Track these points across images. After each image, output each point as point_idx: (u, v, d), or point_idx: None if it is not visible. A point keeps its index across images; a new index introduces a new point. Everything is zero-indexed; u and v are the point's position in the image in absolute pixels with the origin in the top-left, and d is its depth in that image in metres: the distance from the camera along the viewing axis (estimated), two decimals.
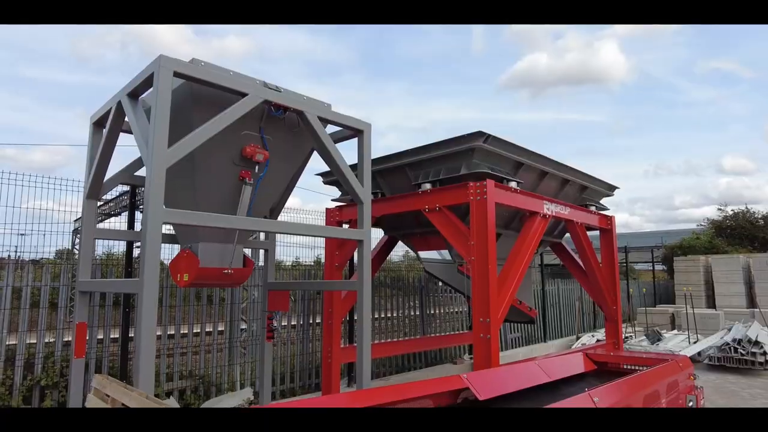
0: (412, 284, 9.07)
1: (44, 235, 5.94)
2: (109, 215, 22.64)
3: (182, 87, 3.82)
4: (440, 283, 9.24)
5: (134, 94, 3.83)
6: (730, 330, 10.16)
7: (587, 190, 6.92)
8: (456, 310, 9.88)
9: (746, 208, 24.24)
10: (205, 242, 4.32)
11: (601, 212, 7.23)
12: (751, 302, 15.82)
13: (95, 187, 4.46)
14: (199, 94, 3.85)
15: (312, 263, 10.66)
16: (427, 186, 5.38)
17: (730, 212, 24.35)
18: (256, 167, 4.32)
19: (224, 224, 3.68)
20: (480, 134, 4.96)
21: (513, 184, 5.31)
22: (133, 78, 3.79)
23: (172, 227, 4.80)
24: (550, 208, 5.87)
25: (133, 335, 5.34)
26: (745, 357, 8.57)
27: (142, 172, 5.34)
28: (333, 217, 6.62)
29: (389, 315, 8.53)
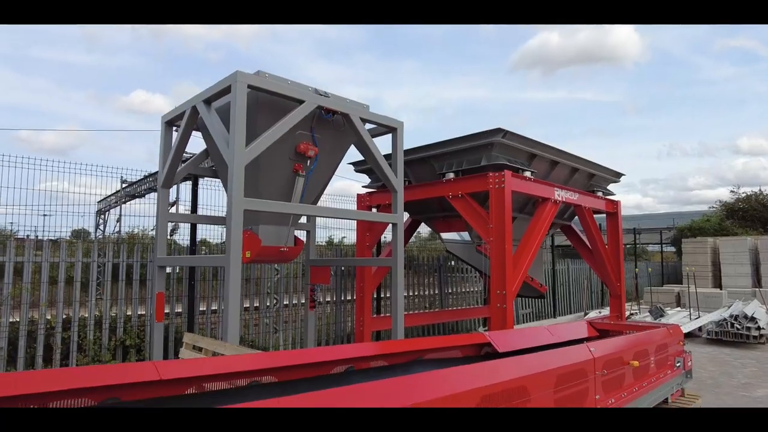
0: (427, 264, 9.78)
1: (80, 216, 6.83)
2: (134, 196, 23.56)
3: (248, 94, 4.54)
4: (452, 263, 9.98)
5: (208, 101, 4.56)
6: (729, 307, 10.82)
7: (595, 177, 7.57)
8: (468, 289, 10.64)
9: (759, 190, 24.49)
10: (265, 224, 5.10)
11: (608, 197, 7.88)
12: (757, 283, 16.38)
13: (169, 178, 5.24)
14: (263, 100, 4.57)
15: (324, 243, 11.41)
16: (451, 175, 6.08)
17: (743, 194, 24.62)
18: (308, 161, 5.05)
19: (292, 211, 4.47)
20: (499, 131, 5.64)
21: (527, 174, 5.99)
22: (207, 87, 4.52)
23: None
24: (560, 195, 6.55)
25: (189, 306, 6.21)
26: (740, 331, 9.24)
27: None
28: (363, 202, 7.37)
29: (405, 294, 9.28)
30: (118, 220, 21.60)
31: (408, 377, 2.08)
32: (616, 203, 7.98)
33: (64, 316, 5.43)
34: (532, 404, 2.70)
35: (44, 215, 8.08)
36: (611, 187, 8.29)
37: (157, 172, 20.77)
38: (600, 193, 7.71)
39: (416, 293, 9.44)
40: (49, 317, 5.31)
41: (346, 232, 12.43)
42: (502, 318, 5.48)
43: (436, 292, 9.78)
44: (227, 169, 4.12)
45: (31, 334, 5.19)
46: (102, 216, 23.63)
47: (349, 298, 8.10)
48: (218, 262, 4.47)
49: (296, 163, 5.02)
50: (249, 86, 4.20)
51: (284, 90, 4.44)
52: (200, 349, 4.09)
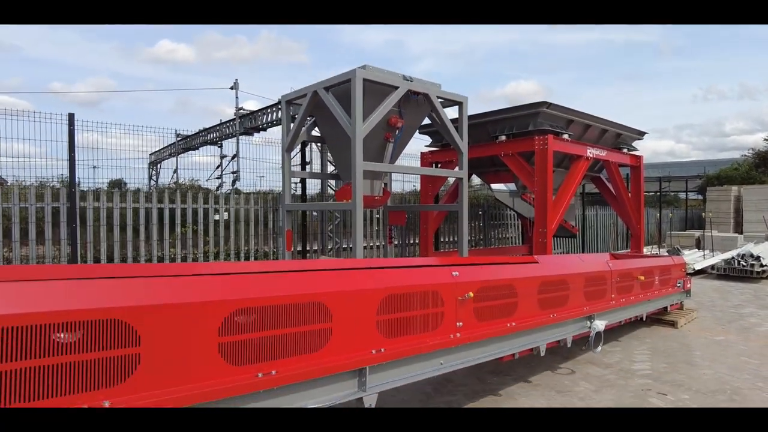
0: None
1: (129, 169, 8.55)
2: (189, 149, 25.61)
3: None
4: (484, 211, 11.57)
5: (327, 88, 6.14)
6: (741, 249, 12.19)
7: (621, 136, 8.91)
8: (506, 235, 12.25)
9: None
10: (363, 179, 6.76)
11: (632, 153, 9.24)
12: None
13: (291, 144, 6.92)
14: (367, 87, 6.09)
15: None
16: (503, 138, 7.58)
17: None
18: (396, 131, 6.62)
19: (393, 170, 6.25)
20: (544, 103, 7.07)
21: (565, 136, 7.43)
22: (328, 78, 6.09)
23: (335, 168, 7.31)
24: (591, 152, 7.97)
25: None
26: (745, 268, 10.69)
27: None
28: (426, 159, 8.95)
29: (450, 239, 10.89)
30: (175, 171, 23.70)
31: (500, 267, 3.77)
32: (638, 158, 9.34)
33: (215, 250, 7.36)
34: (570, 293, 4.38)
35: (94, 167, 9.79)
36: (637, 143, 9.62)
37: (211, 127, 22.79)
38: (625, 150, 9.08)
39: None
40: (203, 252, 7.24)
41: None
42: (543, 250, 7.13)
43: (481, 237, 11.44)
44: (338, 139, 5.75)
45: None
46: (154, 167, 25.82)
47: (411, 241, 9.86)
48: (346, 207, 6.21)
49: (387, 133, 6.60)
50: (364, 80, 5.74)
51: (384, 79, 5.98)
52: None
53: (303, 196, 7.72)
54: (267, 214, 7.71)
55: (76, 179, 6.24)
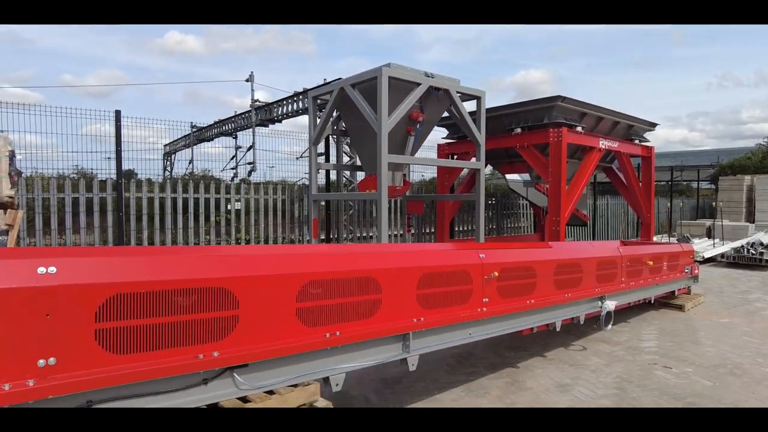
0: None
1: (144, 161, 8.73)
2: (203, 140, 26.10)
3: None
4: (493, 200, 11.91)
5: (353, 85, 6.51)
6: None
7: (633, 128, 9.20)
8: (518, 225, 12.60)
9: None
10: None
11: (643, 144, 9.53)
12: None
13: (318, 138, 7.32)
14: (392, 83, 6.46)
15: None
16: (519, 130, 7.92)
17: None
18: (417, 125, 6.99)
19: (414, 162, 6.59)
20: (558, 97, 7.39)
21: (579, 129, 7.75)
22: (354, 74, 6.46)
23: (351, 160, 7.72)
24: (604, 143, 8.29)
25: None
26: (754, 256, 10.95)
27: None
28: (443, 150, 9.31)
29: (465, 228, 11.27)
30: (191, 162, 24.17)
31: (521, 250, 4.17)
32: (650, 149, 9.63)
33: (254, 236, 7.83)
34: (583, 275, 4.77)
35: (108, 158, 10.09)
36: (648, 133, 9.89)
37: (226, 119, 23.28)
38: (637, 140, 9.37)
39: (472, 227, 11.48)
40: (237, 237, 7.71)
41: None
42: (555, 238, 7.49)
43: (493, 227, 11.81)
44: (363, 132, 6.13)
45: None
46: (169, 158, 26.34)
47: (427, 230, 10.26)
48: (371, 197, 6.62)
49: (408, 126, 6.98)
50: (390, 77, 6.11)
51: (408, 77, 6.34)
52: None
53: (327, 187, 8.15)
54: (293, 203, 8.15)
55: (124, 172, 6.73)
